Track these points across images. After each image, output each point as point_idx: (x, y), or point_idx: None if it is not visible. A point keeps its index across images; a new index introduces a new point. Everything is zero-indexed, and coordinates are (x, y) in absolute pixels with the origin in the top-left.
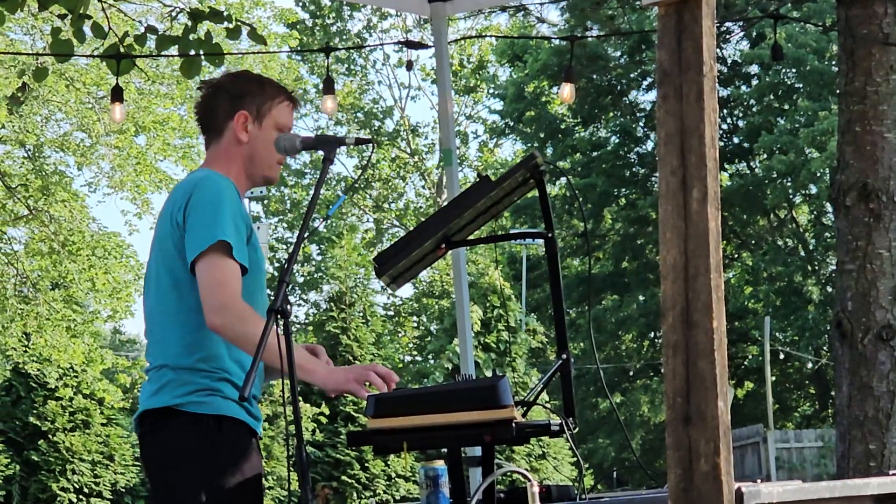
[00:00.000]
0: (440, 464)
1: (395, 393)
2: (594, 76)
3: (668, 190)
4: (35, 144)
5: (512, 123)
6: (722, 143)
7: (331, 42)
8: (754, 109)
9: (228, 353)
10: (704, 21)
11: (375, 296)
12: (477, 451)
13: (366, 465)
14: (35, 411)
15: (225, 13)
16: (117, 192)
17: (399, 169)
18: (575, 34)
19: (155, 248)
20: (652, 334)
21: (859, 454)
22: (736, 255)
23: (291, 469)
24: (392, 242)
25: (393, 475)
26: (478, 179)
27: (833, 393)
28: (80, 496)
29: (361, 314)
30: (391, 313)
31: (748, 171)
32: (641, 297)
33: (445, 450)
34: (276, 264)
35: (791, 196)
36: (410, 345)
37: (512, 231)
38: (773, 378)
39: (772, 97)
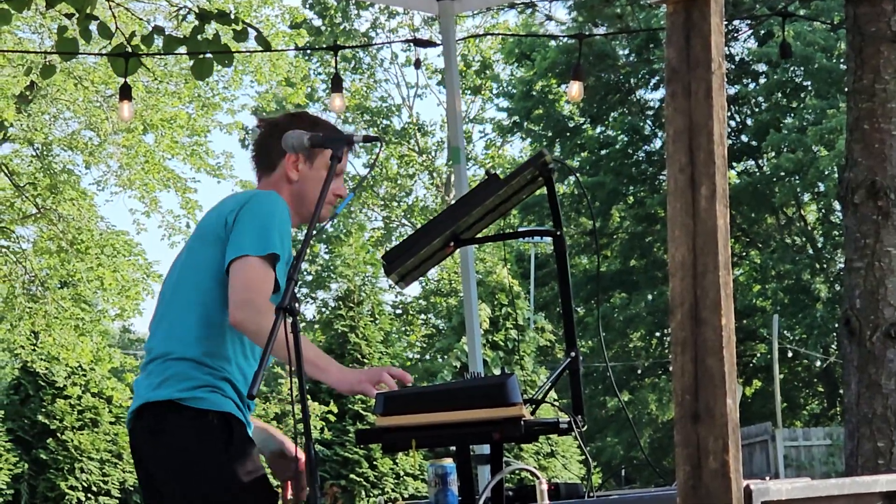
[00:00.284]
0: (449, 462)
1: (403, 391)
2: (602, 74)
3: (676, 187)
4: (43, 143)
5: (520, 121)
6: (730, 142)
7: (338, 41)
8: (762, 107)
9: (234, 356)
10: (713, 18)
11: (384, 294)
12: (486, 448)
13: (374, 463)
14: (43, 410)
15: (232, 14)
16: (125, 191)
17: (407, 167)
18: (583, 32)
19: (190, 242)
20: (660, 332)
21: (868, 452)
22: (744, 254)
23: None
24: (400, 240)
25: (401, 473)
26: (486, 177)
27: (841, 391)
28: (89, 495)
29: (370, 312)
30: (399, 311)
31: (756, 170)
32: (650, 296)
33: (454, 448)
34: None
35: (799, 194)
36: (419, 343)
37: (520, 229)
38: (782, 376)
39: (780, 95)
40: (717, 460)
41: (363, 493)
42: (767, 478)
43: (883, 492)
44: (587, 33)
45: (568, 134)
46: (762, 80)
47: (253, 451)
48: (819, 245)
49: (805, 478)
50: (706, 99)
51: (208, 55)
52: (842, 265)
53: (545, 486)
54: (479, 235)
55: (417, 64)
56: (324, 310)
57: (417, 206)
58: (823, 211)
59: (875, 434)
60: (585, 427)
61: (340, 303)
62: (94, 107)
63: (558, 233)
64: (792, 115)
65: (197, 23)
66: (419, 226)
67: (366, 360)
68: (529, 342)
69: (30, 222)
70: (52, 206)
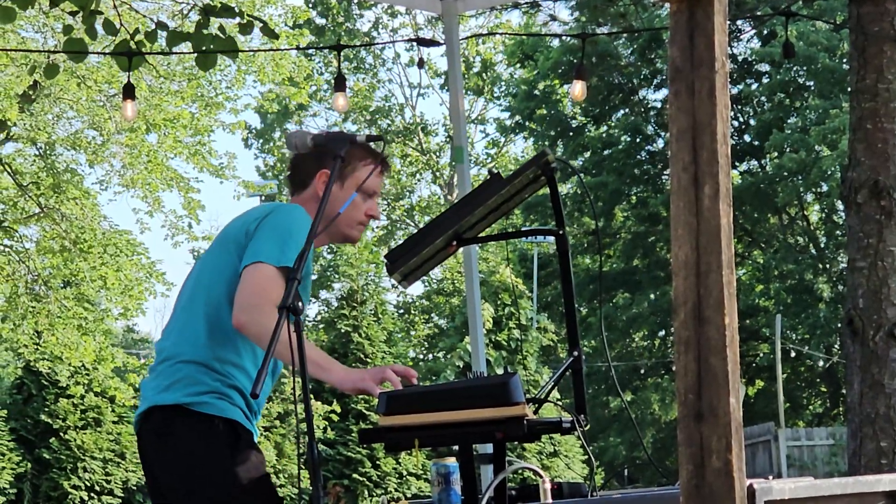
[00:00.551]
0: (452, 461)
1: (406, 390)
2: (605, 75)
3: (679, 186)
4: (46, 142)
5: (523, 122)
6: (733, 142)
7: (341, 41)
8: (765, 107)
9: (244, 363)
10: (716, 17)
11: (387, 293)
12: (489, 448)
13: (377, 462)
14: (46, 409)
15: (236, 10)
16: (128, 191)
17: (410, 166)
18: (586, 31)
19: (213, 246)
20: (663, 332)
21: (870, 451)
22: (747, 254)
23: (303, 467)
24: (403, 240)
25: (404, 473)
26: (489, 177)
27: (844, 391)
28: (92, 494)
29: (373, 312)
30: (402, 311)
31: (759, 170)
32: (652, 295)
33: (457, 447)
34: None
35: (802, 194)
36: (422, 343)
37: (523, 228)
38: (784, 376)
39: (783, 95)
40: (720, 459)
41: (366, 492)
42: (770, 477)
43: (886, 491)
44: (590, 33)
45: (571, 134)
46: (765, 80)
47: (259, 459)
48: (822, 245)
49: (808, 477)
50: (710, 98)
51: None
52: (844, 265)
53: (548, 486)
54: (482, 235)
55: (420, 63)
56: (327, 309)
57: (421, 205)
58: (826, 211)
59: (878, 434)
60: (588, 426)
61: (343, 302)
62: (98, 106)
63: (561, 232)
64: (795, 114)
65: (201, 18)
66: (422, 225)
67: (369, 360)
68: (532, 342)
69: (33, 222)
70: (55, 206)
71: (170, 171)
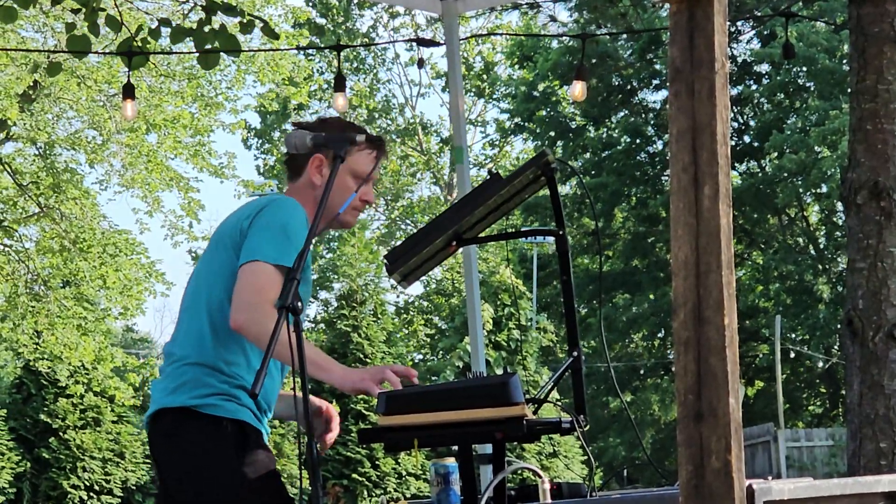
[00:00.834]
0: (451, 461)
1: (405, 390)
2: (604, 75)
3: (679, 187)
4: (46, 142)
5: (522, 123)
6: (732, 143)
7: (341, 41)
8: (765, 108)
9: (250, 363)
10: (716, 18)
11: (386, 294)
12: (488, 448)
13: (376, 462)
14: (46, 409)
15: (237, 8)
16: (128, 190)
17: (410, 167)
18: (586, 32)
19: (210, 246)
20: (662, 333)
21: (870, 452)
22: (746, 254)
23: (302, 467)
24: (403, 240)
25: (404, 473)
26: (489, 177)
27: (843, 391)
28: (91, 493)
29: (372, 312)
30: (402, 311)
31: (759, 170)
32: (652, 296)
33: (456, 447)
34: None
35: (802, 195)
36: (421, 343)
37: (523, 229)
38: (784, 377)
39: (782, 96)
40: (719, 460)
41: (365, 492)
42: (770, 478)
43: (885, 492)
44: (591, 33)
45: (570, 135)
46: (765, 81)
47: (268, 459)
48: (821, 246)
49: (807, 478)
50: (709, 98)
51: (215, 46)
52: (844, 266)
53: (547, 486)
54: (482, 235)
55: (420, 63)
56: (326, 309)
57: (421, 205)
58: (826, 212)
59: (877, 434)
60: (588, 427)
61: (343, 302)
62: (97, 106)
63: (561, 233)
64: (795, 115)
65: (203, 15)
66: (421, 225)
67: (368, 360)
68: (532, 342)
69: (32, 221)
70: (55, 206)
71: (169, 171)
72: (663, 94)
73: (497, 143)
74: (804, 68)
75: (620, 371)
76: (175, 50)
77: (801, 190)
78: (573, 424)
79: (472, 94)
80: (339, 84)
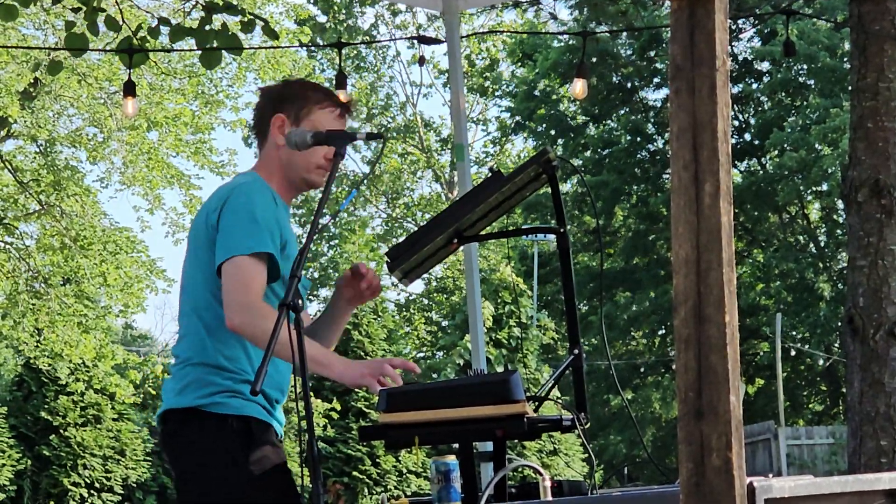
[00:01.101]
0: (452, 459)
1: (406, 388)
2: (605, 73)
3: (680, 184)
4: (47, 139)
5: (522, 121)
6: (733, 141)
7: (342, 38)
8: (766, 106)
9: (253, 356)
10: (717, 16)
11: (387, 291)
12: (489, 446)
13: (377, 460)
14: (46, 406)
15: (238, 6)
16: (129, 188)
17: (411, 165)
18: (587, 30)
19: (189, 245)
20: (663, 330)
21: (870, 450)
22: (747, 252)
23: (303, 465)
24: (404, 237)
25: (404, 471)
26: (490, 174)
27: (844, 389)
28: (92, 491)
29: (373, 309)
30: (402, 307)
31: (759, 168)
32: (653, 293)
33: (457, 444)
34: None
35: (802, 193)
36: (422, 340)
37: (524, 227)
38: (784, 375)
39: (783, 94)
40: (720, 457)
41: (366, 490)
42: (770, 476)
43: (886, 490)
44: (591, 31)
45: (571, 133)
46: (765, 79)
47: (275, 455)
48: (822, 244)
49: (808, 476)
50: (710, 96)
51: (216, 45)
52: (845, 264)
53: (548, 483)
54: (483, 233)
55: (422, 61)
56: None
57: (422, 203)
58: (826, 209)
59: (878, 432)
60: (588, 424)
61: None
62: (98, 103)
63: (562, 230)
64: (795, 113)
65: (204, 14)
66: (422, 223)
67: (369, 357)
68: (532, 340)
69: (33, 219)
70: (56, 203)
71: (170, 169)
72: (664, 92)
73: (498, 141)
74: (805, 66)
75: (621, 369)
76: (176, 48)
77: (801, 188)
78: (574, 422)
79: (476, 92)
80: (340, 82)
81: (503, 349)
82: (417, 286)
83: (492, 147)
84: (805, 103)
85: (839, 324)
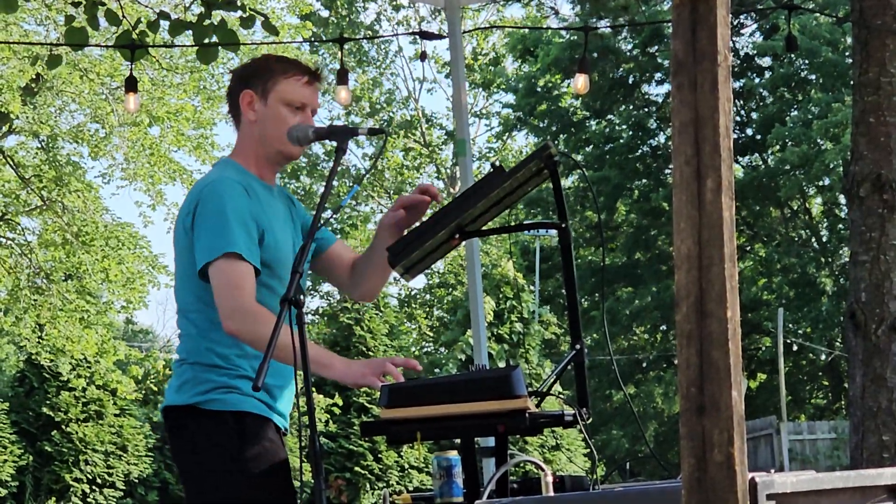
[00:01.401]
0: (453, 454)
1: (408, 383)
2: (606, 69)
3: (682, 180)
4: (49, 135)
5: (524, 117)
6: (735, 136)
7: (344, 33)
8: (767, 101)
9: (243, 352)
10: (719, 10)
11: (389, 286)
12: (490, 441)
13: (379, 456)
14: (48, 402)
15: (238, 2)
16: (131, 184)
17: (413, 160)
18: (589, 25)
19: (174, 248)
20: (665, 326)
21: (873, 445)
22: (749, 247)
23: (304, 460)
24: (406, 233)
25: (406, 466)
26: (492, 170)
27: (846, 384)
28: (93, 487)
29: (375, 305)
30: (404, 303)
31: (761, 163)
32: (654, 289)
33: (459, 440)
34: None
35: (804, 187)
36: (424, 336)
37: (526, 222)
38: (786, 370)
39: (785, 89)
40: (722, 453)
41: (368, 485)
42: (772, 471)
43: (888, 485)
44: (593, 26)
45: (573, 129)
46: (767, 74)
47: (271, 451)
48: (824, 239)
49: (810, 471)
50: (712, 91)
51: (214, 40)
52: (847, 259)
53: (550, 479)
54: (485, 228)
55: (423, 56)
56: (329, 302)
57: None
58: (828, 204)
59: (880, 427)
60: (590, 420)
61: (345, 295)
62: (100, 99)
63: (563, 225)
64: (797, 108)
65: (203, 9)
66: (424, 218)
67: (371, 353)
68: (534, 335)
69: (35, 214)
70: (58, 199)
71: (172, 164)
72: (665, 87)
73: (501, 136)
74: (807, 61)
75: (623, 364)
76: (177, 44)
77: (803, 183)
78: (576, 417)
79: (479, 87)
80: (342, 77)
81: (505, 344)
82: (419, 281)
83: (495, 143)
84: (807, 98)
85: (841, 319)
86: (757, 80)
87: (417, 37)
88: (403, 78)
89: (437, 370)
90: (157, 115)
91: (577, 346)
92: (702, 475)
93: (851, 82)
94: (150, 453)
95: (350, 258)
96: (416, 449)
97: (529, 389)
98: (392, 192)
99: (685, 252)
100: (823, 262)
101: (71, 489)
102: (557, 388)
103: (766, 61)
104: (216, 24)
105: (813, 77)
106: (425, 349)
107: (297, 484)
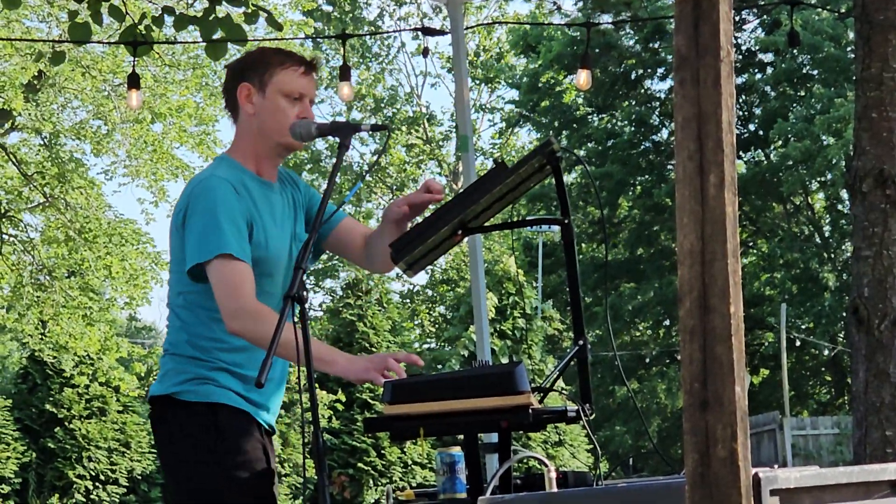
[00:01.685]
0: (457, 450)
1: (411, 379)
2: (609, 65)
3: (684, 175)
4: (51, 132)
5: (527, 113)
6: (737, 131)
7: (347, 30)
8: (770, 97)
9: (226, 342)
10: (721, 6)
11: (391, 283)
12: (494, 437)
13: (382, 452)
14: (51, 399)
15: None
16: (134, 181)
17: (416, 156)
18: (591, 21)
19: (169, 240)
20: (668, 321)
21: (876, 440)
22: (751, 243)
23: (307, 456)
24: (408, 229)
25: (409, 462)
26: (494, 166)
27: (849, 380)
28: (97, 483)
29: (377, 301)
30: (407, 299)
31: (764, 159)
32: (657, 284)
33: (462, 436)
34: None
35: (807, 183)
36: (426, 332)
37: (528, 218)
38: (789, 365)
39: (787, 84)
40: (725, 448)
41: (371, 481)
42: (775, 466)
43: (891, 480)
44: (596, 22)
45: (575, 125)
46: (770, 70)
47: (246, 443)
48: (826, 234)
49: (813, 466)
50: (715, 87)
51: (220, 36)
52: (849, 254)
53: (553, 475)
54: (487, 224)
55: (425, 52)
56: (332, 298)
57: None
58: (831, 200)
59: (883, 423)
60: (593, 416)
61: (348, 291)
62: (102, 96)
63: (566, 221)
64: (799, 103)
65: (207, 4)
66: (427, 214)
67: (374, 349)
68: (537, 331)
69: (37, 211)
70: (60, 195)
71: (175, 161)
72: (668, 82)
73: (504, 132)
74: (809, 56)
75: (626, 360)
76: (179, 39)
77: (806, 178)
78: (579, 413)
79: (480, 81)
80: (345, 73)
81: (507, 340)
82: (421, 277)
83: (499, 139)
84: (809, 94)
85: (844, 314)
86: (759, 76)
87: (420, 33)
88: (406, 74)
89: (439, 366)
90: (159, 112)
91: (580, 342)
92: (705, 471)
93: (854, 77)
94: (152, 450)
95: (361, 234)
96: (419, 445)
97: (532, 385)
98: (395, 188)
99: (688, 248)
100: (826, 257)
101: (74, 486)
102: (560, 383)
103: (768, 57)
104: (221, 18)
105: (815, 72)
106: (428, 345)
107: (299, 480)
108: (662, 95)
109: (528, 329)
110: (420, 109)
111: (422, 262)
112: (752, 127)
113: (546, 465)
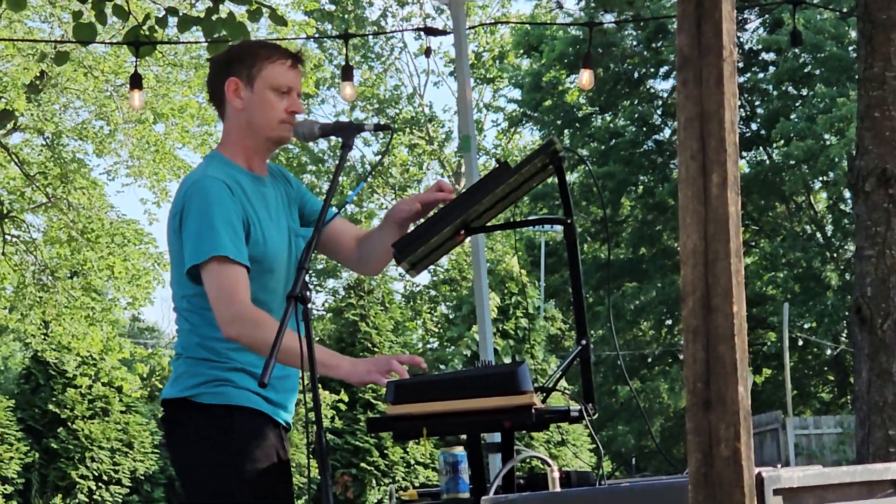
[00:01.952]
0: (459, 450)
1: (414, 379)
2: (611, 65)
3: (687, 175)
4: (53, 132)
5: (530, 112)
6: (739, 131)
7: (349, 30)
8: (772, 96)
9: (237, 344)
10: (724, 5)
11: (394, 283)
12: (497, 437)
13: (385, 452)
14: (54, 399)
15: None
16: (136, 181)
17: (418, 156)
18: (593, 20)
19: (169, 246)
20: (670, 321)
21: (879, 440)
22: (754, 242)
23: (311, 456)
24: (411, 229)
25: (412, 462)
26: (497, 166)
27: (852, 379)
28: (100, 483)
29: (380, 301)
30: (409, 298)
31: (766, 158)
32: (660, 284)
33: (465, 436)
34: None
35: (809, 182)
36: (428, 332)
37: (531, 217)
38: (792, 364)
39: (789, 84)
40: (728, 448)
41: (374, 481)
42: (778, 466)
43: (894, 479)
44: (598, 21)
45: (577, 124)
46: (772, 69)
47: (262, 445)
48: (829, 233)
49: (816, 466)
50: (717, 86)
51: (223, 35)
52: (852, 253)
53: (556, 474)
54: (490, 224)
55: (428, 52)
56: (334, 298)
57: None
58: (833, 199)
59: (886, 422)
60: (596, 415)
61: (351, 291)
62: (105, 96)
63: (569, 221)
64: (802, 103)
65: (210, 4)
66: (429, 214)
67: (376, 349)
68: (539, 331)
69: (40, 211)
70: (63, 196)
71: (177, 161)
72: (670, 82)
73: (506, 132)
74: (811, 55)
75: (628, 359)
76: (183, 39)
77: (808, 177)
78: (582, 413)
79: (482, 81)
80: (347, 73)
81: (510, 340)
82: (424, 277)
83: (502, 139)
84: (811, 93)
85: (846, 313)
86: (761, 75)
87: (422, 33)
88: (409, 74)
89: (442, 366)
90: (161, 112)
91: (583, 342)
92: (708, 470)
93: (856, 77)
94: (155, 450)
95: (353, 235)
96: (422, 445)
97: (535, 385)
98: (397, 188)
99: (691, 247)
100: (828, 256)
101: (77, 486)
102: (563, 383)
103: (770, 56)
104: (224, 18)
105: (818, 72)
106: (431, 345)
107: (302, 480)
108: (665, 95)
109: (531, 329)
110: (422, 109)
111: (425, 261)
112: (754, 126)
113: (549, 465)
